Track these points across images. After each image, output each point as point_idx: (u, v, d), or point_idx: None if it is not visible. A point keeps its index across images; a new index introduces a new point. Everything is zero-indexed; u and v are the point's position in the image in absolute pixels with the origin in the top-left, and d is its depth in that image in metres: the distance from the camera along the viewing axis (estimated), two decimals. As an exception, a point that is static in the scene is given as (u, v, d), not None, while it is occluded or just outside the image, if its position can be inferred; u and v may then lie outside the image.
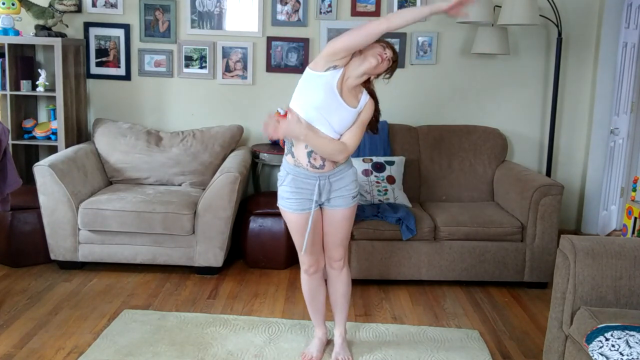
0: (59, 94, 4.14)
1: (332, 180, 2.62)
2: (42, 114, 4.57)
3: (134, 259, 3.81)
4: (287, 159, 2.65)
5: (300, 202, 2.62)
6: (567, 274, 2.41)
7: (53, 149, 4.32)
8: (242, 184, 3.86)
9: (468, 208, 3.92)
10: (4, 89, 4.17)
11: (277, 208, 3.95)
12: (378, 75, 2.60)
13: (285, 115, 4.57)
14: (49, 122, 4.38)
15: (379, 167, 3.91)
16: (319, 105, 2.50)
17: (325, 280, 2.91)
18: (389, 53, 2.53)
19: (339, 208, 2.68)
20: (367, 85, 2.62)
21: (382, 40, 2.56)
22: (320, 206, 2.69)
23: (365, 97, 2.60)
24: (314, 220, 2.65)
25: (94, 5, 4.47)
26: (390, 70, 2.59)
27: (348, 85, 2.54)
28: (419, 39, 4.48)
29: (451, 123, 4.50)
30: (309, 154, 2.56)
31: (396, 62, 2.58)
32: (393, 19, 2.44)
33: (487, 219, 3.73)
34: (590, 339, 2.10)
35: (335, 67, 2.50)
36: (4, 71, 4.15)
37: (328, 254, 2.80)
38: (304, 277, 2.84)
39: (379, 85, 2.68)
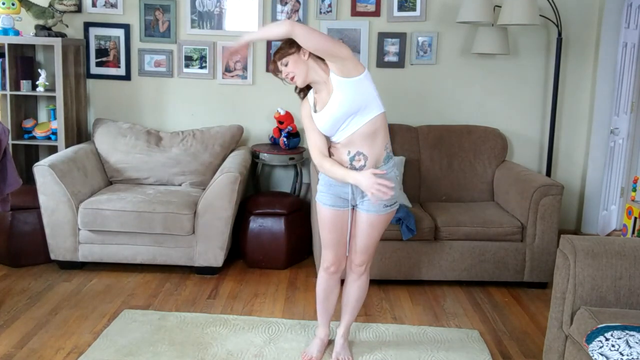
0: (59, 94, 4.14)
1: None
2: (42, 114, 4.57)
3: (134, 259, 3.81)
4: None
5: (331, 197, 2.62)
6: (567, 274, 2.41)
7: (53, 149, 4.32)
8: (242, 184, 3.86)
9: (468, 208, 3.92)
10: (4, 89, 4.17)
11: (277, 208, 4.00)
12: (323, 61, 2.54)
13: (286, 115, 4.58)
14: (49, 122, 4.38)
15: (379, 167, 3.90)
16: (332, 121, 2.51)
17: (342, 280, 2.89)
18: (283, 75, 2.58)
19: (366, 213, 2.64)
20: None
21: (271, 66, 2.63)
22: (354, 207, 2.67)
23: (331, 73, 2.49)
24: (341, 220, 2.65)
25: (94, 5, 4.47)
26: (306, 52, 2.50)
27: (324, 92, 2.56)
28: (419, 39, 4.48)
29: (451, 123, 4.50)
30: (352, 158, 2.55)
31: (282, 52, 2.54)
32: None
33: (487, 219, 3.73)
34: (590, 339, 2.10)
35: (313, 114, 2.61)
36: (4, 71, 4.15)
37: (350, 256, 2.77)
38: (321, 275, 2.81)
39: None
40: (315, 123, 2.58)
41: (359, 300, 2.86)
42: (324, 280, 2.81)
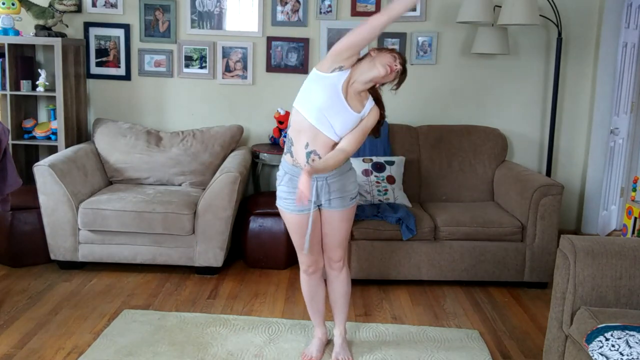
0: (59, 94, 4.14)
1: (330, 181, 2.61)
2: (42, 114, 4.57)
3: (134, 259, 3.81)
4: (285, 158, 2.64)
5: (295, 202, 2.61)
6: (567, 274, 2.41)
7: (53, 149, 4.32)
8: (242, 184, 3.86)
9: (468, 208, 3.92)
10: (4, 89, 4.17)
11: (277, 208, 3.99)
12: (384, 84, 2.60)
13: (286, 115, 4.58)
14: (49, 122, 4.38)
15: (379, 167, 3.91)
16: (322, 107, 2.49)
17: (325, 280, 2.91)
18: (399, 65, 2.53)
19: (337, 210, 2.67)
20: (374, 90, 2.61)
21: (395, 51, 2.58)
22: (319, 207, 2.68)
23: (370, 103, 2.58)
24: (313, 221, 2.64)
25: (94, 5, 4.47)
26: (398, 82, 2.58)
27: (354, 89, 2.53)
28: (419, 39, 4.48)
29: (451, 123, 4.50)
30: (308, 154, 2.55)
31: (405, 74, 2.57)
32: (392, 7, 2.39)
33: (487, 219, 3.73)
34: (590, 339, 2.10)
35: (341, 69, 2.49)
36: (4, 71, 4.15)
37: (327, 254, 2.79)
38: (303, 277, 2.84)
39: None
40: (321, 78, 2.51)
41: (345, 295, 2.88)
42: (306, 281, 2.85)
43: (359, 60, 2.56)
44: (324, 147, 2.54)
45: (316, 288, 2.86)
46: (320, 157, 2.54)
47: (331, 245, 2.76)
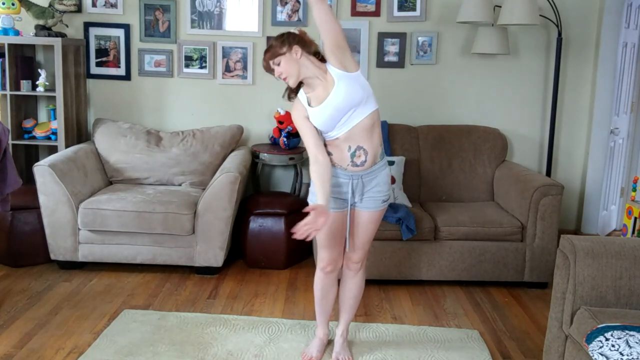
0: (59, 94, 4.14)
1: (365, 180, 2.59)
2: (42, 114, 4.57)
3: (134, 259, 3.81)
4: None
5: (331, 200, 2.58)
6: (567, 274, 2.41)
7: (53, 149, 4.32)
8: (242, 184, 3.86)
9: (468, 208, 3.92)
10: (4, 89, 4.17)
11: (277, 208, 4.00)
12: (318, 54, 2.57)
13: (286, 115, 4.57)
14: (49, 122, 4.38)
15: (379, 167, 3.90)
16: (332, 117, 2.49)
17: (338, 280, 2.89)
18: (273, 69, 2.55)
19: (367, 210, 2.65)
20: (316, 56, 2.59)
21: (266, 66, 2.59)
22: (352, 206, 2.66)
23: (330, 67, 2.51)
24: (339, 220, 2.64)
25: (94, 5, 4.47)
26: (303, 46, 2.51)
27: (319, 88, 2.53)
28: (419, 39, 4.48)
29: (451, 123, 4.50)
30: (353, 154, 2.54)
31: (272, 52, 2.52)
32: None
33: (487, 219, 3.73)
34: (590, 339, 2.10)
35: (291, 98, 2.63)
36: (4, 71, 4.15)
37: (347, 254, 2.78)
38: (319, 275, 2.81)
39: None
40: (313, 119, 2.54)
41: (356, 297, 2.87)
42: (321, 280, 2.82)
43: (298, 86, 2.60)
44: (364, 135, 2.52)
45: (329, 288, 2.84)
46: (365, 150, 2.53)
47: (355, 245, 2.74)
